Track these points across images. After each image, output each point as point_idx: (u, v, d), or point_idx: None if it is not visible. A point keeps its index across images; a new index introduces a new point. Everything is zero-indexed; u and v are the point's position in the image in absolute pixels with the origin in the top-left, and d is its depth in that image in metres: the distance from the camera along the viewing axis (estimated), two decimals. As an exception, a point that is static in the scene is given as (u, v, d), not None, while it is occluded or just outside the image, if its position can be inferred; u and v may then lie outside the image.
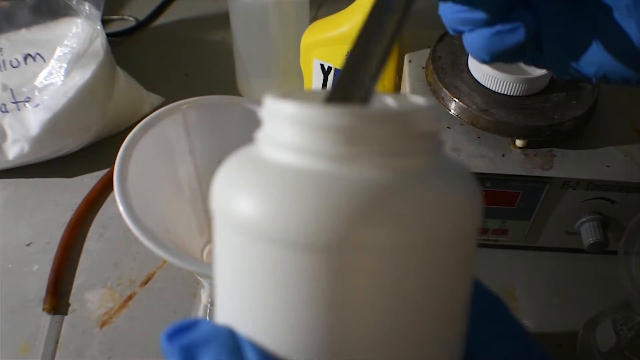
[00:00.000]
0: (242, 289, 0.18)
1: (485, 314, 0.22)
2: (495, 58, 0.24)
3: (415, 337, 0.18)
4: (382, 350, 0.18)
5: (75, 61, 0.53)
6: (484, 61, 0.25)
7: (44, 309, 0.45)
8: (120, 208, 0.27)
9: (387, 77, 0.50)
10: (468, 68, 0.45)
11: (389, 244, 0.17)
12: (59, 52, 0.54)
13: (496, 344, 0.22)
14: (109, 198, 0.53)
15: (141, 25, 0.71)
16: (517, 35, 0.23)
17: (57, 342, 0.44)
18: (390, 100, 0.22)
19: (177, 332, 0.19)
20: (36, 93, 0.53)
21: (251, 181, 0.18)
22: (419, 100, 0.21)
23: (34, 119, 0.53)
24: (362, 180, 0.17)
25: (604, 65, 0.24)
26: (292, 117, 0.18)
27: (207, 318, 0.41)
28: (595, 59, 0.24)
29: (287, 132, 0.18)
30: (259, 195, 0.17)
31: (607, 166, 0.42)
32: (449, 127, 0.44)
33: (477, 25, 0.23)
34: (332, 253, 0.16)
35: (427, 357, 0.19)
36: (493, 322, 0.22)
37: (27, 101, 0.53)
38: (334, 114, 0.17)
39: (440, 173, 0.18)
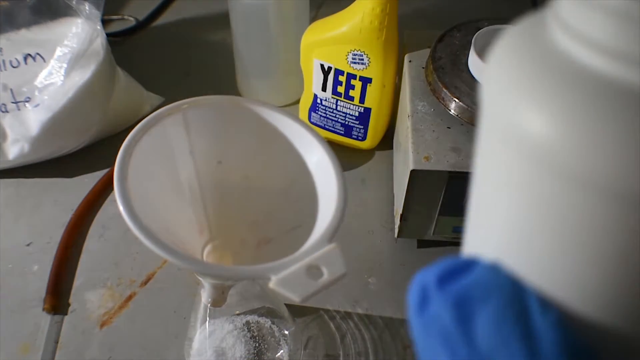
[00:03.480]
0: (530, 228, 0.14)
1: None
2: None
3: None
4: None
5: (75, 61, 0.53)
6: None
7: (44, 309, 0.45)
8: (120, 208, 0.27)
9: (387, 77, 0.50)
10: (468, 68, 0.45)
11: None
12: (59, 52, 0.54)
13: None
14: (109, 198, 0.53)
15: (141, 25, 0.71)
16: None
17: (57, 342, 0.44)
18: None
19: (449, 276, 0.15)
20: (36, 93, 0.53)
21: (551, 92, 0.12)
22: None
23: (34, 119, 0.53)
24: None
25: None
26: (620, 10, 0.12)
27: (207, 318, 0.40)
28: None
29: (611, 29, 0.12)
30: (566, 117, 0.12)
31: (608, 166, 0.42)
32: (449, 127, 0.44)
33: None
34: None
35: None
36: None
37: (27, 101, 0.53)
38: None
39: None
